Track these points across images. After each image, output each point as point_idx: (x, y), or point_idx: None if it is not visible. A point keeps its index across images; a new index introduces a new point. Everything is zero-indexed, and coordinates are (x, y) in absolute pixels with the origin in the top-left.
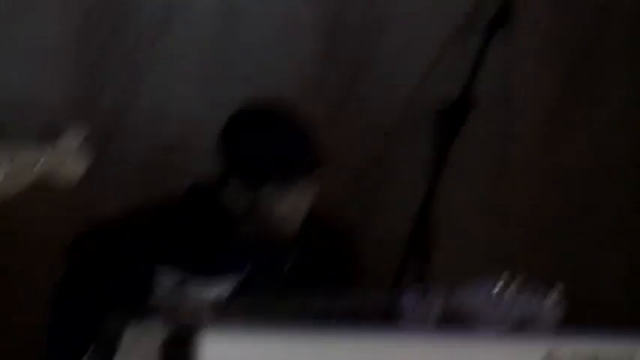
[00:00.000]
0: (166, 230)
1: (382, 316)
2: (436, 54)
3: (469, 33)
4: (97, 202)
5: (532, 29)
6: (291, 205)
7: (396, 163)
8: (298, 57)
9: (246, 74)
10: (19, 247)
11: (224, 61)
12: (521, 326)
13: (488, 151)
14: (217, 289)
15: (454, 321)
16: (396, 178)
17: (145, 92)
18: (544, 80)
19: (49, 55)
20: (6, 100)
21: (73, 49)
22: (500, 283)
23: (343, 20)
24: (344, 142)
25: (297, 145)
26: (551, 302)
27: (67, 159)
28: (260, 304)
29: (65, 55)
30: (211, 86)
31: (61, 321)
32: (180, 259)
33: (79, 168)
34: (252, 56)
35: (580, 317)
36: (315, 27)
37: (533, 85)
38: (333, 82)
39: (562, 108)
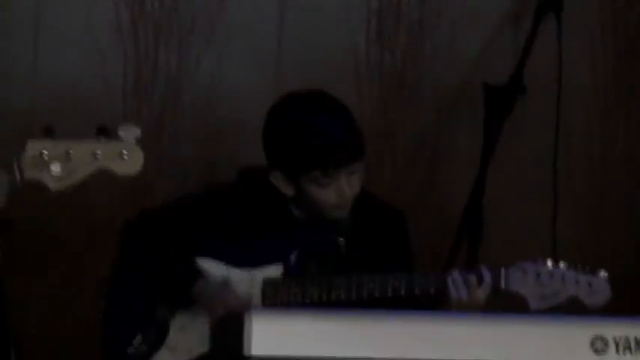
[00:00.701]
0: (218, 217)
1: (433, 297)
2: (488, 37)
3: (520, 16)
4: (152, 185)
5: (583, 14)
6: (337, 191)
7: (449, 144)
8: (348, 46)
9: (298, 58)
10: (82, 235)
11: (276, 45)
12: (569, 306)
13: (538, 135)
14: (266, 274)
15: (503, 300)
16: (449, 160)
17: (198, 74)
18: (596, 66)
19: (101, 44)
20: (57, 95)
21: (126, 35)
22: (549, 264)
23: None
24: (398, 125)
25: (337, 137)
26: (598, 284)
27: (124, 150)
28: (311, 285)
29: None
30: (265, 69)
31: (115, 305)
32: (230, 245)
33: (137, 159)
34: (305, 40)
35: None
36: (363, 12)
37: (584, 73)
38: (386, 64)
39: (613, 95)
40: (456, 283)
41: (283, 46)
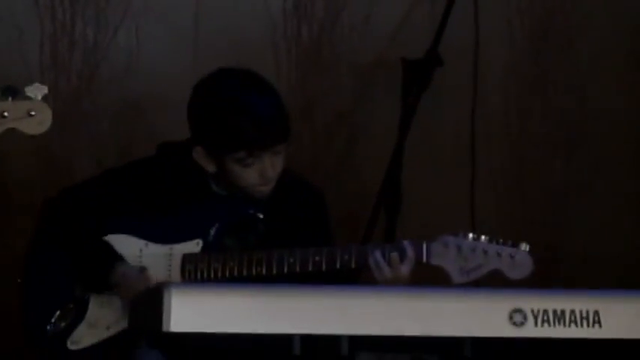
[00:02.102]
0: (136, 192)
1: (354, 270)
2: (404, 10)
3: None
4: (70, 157)
5: None
6: (260, 171)
7: (367, 117)
8: (265, 17)
9: (216, 32)
10: None
11: (193, 17)
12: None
13: (455, 107)
14: (186, 249)
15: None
16: (367, 133)
17: (115, 48)
18: (512, 41)
19: (18, 19)
20: None
21: (43, 7)
22: (470, 237)
23: None
24: (316, 98)
25: (265, 119)
26: (520, 256)
27: (32, 109)
28: (231, 260)
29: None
30: (182, 41)
31: (32, 282)
32: (149, 220)
33: (45, 116)
34: (222, 14)
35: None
36: None
37: (501, 46)
38: (303, 37)
39: (530, 67)
40: (378, 263)
41: (200, 19)
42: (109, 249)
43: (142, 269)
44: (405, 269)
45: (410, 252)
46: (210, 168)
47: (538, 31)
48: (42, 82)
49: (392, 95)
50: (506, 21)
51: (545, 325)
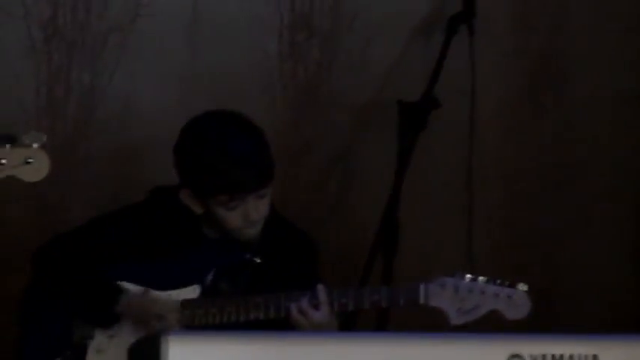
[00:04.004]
0: (130, 238)
1: (349, 314)
2: (400, 51)
3: (432, 29)
4: (66, 202)
5: (494, 27)
6: (244, 214)
7: (363, 159)
8: (259, 57)
9: (211, 73)
10: None
11: (189, 60)
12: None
13: (452, 149)
14: (184, 295)
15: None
16: (363, 175)
17: (110, 93)
18: (509, 81)
19: (14, 65)
20: None
21: (39, 53)
22: (467, 278)
23: (307, 19)
24: (312, 139)
25: (246, 163)
26: (518, 296)
27: (30, 156)
28: (228, 305)
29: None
30: (177, 85)
31: (29, 331)
32: (145, 267)
33: (43, 164)
34: (218, 55)
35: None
36: (275, 27)
37: (497, 85)
38: (299, 78)
39: (526, 106)
40: (302, 309)
41: (196, 60)
42: (107, 284)
43: (145, 291)
44: (320, 315)
45: (322, 296)
46: (198, 210)
47: (534, 69)
48: (38, 127)
49: (388, 135)
50: (503, 60)
51: None
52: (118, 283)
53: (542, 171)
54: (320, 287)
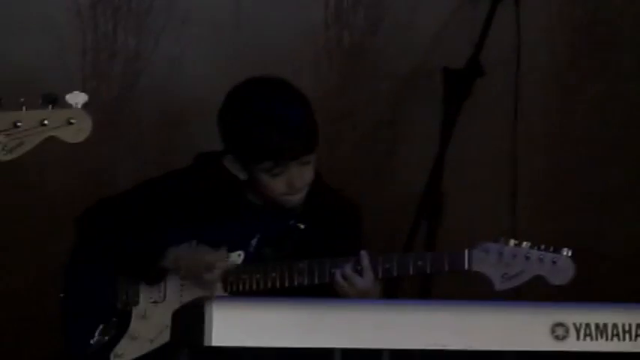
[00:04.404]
0: (176, 204)
1: (393, 280)
2: (446, 18)
3: None
4: (110, 167)
5: None
6: (288, 181)
7: (408, 125)
8: (306, 26)
9: (257, 38)
10: (36, 213)
11: (235, 25)
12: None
13: (497, 117)
14: (230, 261)
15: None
16: (407, 141)
17: (156, 57)
18: (554, 49)
19: (60, 29)
20: (12, 77)
21: (85, 17)
22: (511, 243)
23: None
24: (356, 106)
25: (291, 129)
26: (562, 262)
27: (72, 117)
28: (273, 271)
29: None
30: (224, 50)
31: (73, 297)
32: (190, 233)
33: (85, 124)
34: (263, 20)
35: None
36: None
37: (542, 54)
38: (344, 44)
39: (571, 76)
40: (345, 275)
41: (241, 26)
42: (153, 241)
43: (192, 243)
44: (364, 281)
45: (365, 261)
46: (242, 176)
47: (580, 37)
48: (83, 91)
49: (432, 103)
50: (548, 29)
51: (588, 339)
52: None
53: (588, 139)
54: (363, 253)
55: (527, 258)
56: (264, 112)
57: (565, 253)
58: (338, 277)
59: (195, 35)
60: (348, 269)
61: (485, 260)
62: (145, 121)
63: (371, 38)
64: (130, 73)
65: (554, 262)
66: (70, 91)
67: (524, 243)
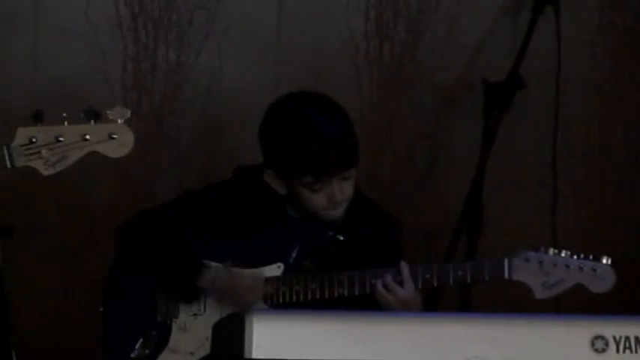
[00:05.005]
0: (216, 216)
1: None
2: (486, 31)
3: (518, 9)
4: (151, 178)
5: (581, 6)
6: (329, 196)
7: (448, 137)
8: (347, 38)
9: (297, 50)
10: (79, 225)
11: (276, 38)
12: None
13: (537, 128)
14: (268, 273)
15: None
16: (447, 154)
17: (196, 70)
18: (595, 58)
19: (102, 40)
20: (54, 90)
21: (126, 30)
22: (551, 252)
23: None
24: (397, 118)
25: (332, 145)
26: (602, 270)
27: (114, 132)
28: (312, 282)
29: (117, 37)
30: (264, 62)
31: (113, 309)
32: (229, 245)
33: (127, 139)
34: (304, 32)
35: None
36: (362, 5)
37: (583, 65)
38: (385, 56)
39: (611, 87)
40: (387, 286)
41: (282, 39)
42: (191, 259)
43: (226, 264)
44: (404, 292)
45: (405, 272)
46: (282, 190)
47: (621, 47)
48: (124, 104)
49: (473, 115)
50: (589, 39)
51: (627, 352)
52: (203, 260)
53: (629, 149)
54: (404, 264)
55: (567, 266)
56: (304, 128)
57: (605, 262)
58: (379, 287)
59: (236, 48)
60: (389, 279)
61: (525, 269)
62: (185, 134)
63: (411, 50)
64: (170, 85)
65: (594, 270)
66: (111, 103)
67: (564, 251)
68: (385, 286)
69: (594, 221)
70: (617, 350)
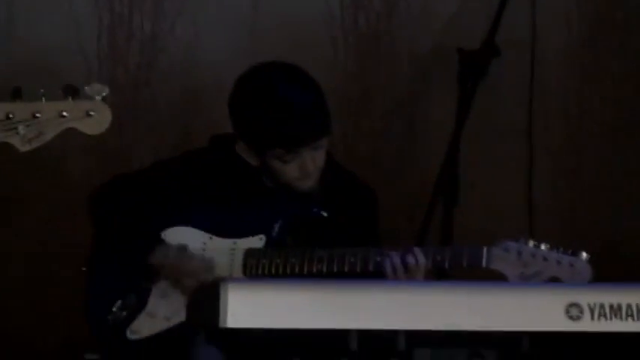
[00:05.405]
0: (193, 184)
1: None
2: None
3: None
4: (128, 150)
5: None
6: (300, 166)
7: (425, 107)
8: (322, 9)
9: (273, 22)
10: (56, 196)
11: (251, 8)
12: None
13: (513, 97)
14: (250, 244)
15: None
16: (424, 123)
17: (172, 40)
18: (570, 26)
19: (77, 11)
20: (29, 60)
21: (101, 1)
22: (531, 244)
23: None
24: (374, 88)
25: (302, 116)
26: (580, 265)
27: (91, 109)
28: (293, 257)
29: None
30: (240, 33)
31: (95, 272)
32: (211, 214)
33: (105, 117)
34: (280, 3)
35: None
36: None
37: (559, 32)
38: (361, 27)
39: (587, 55)
40: (395, 268)
41: (258, 10)
42: (151, 233)
43: (182, 247)
44: (420, 276)
45: (422, 259)
46: (254, 162)
47: (595, 17)
48: (100, 74)
49: (449, 84)
50: (564, 7)
51: (602, 319)
52: (182, 232)
53: (605, 117)
54: (418, 250)
55: (546, 259)
56: (273, 99)
57: (583, 257)
58: (389, 269)
59: (212, 18)
60: (398, 262)
61: (503, 259)
62: (162, 104)
63: (386, 21)
64: (146, 56)
65: (571, 265)
66: (86, 73)
67: (544, 244)
68: (394, 270)
69: (571, 191)
70: (592, 317)
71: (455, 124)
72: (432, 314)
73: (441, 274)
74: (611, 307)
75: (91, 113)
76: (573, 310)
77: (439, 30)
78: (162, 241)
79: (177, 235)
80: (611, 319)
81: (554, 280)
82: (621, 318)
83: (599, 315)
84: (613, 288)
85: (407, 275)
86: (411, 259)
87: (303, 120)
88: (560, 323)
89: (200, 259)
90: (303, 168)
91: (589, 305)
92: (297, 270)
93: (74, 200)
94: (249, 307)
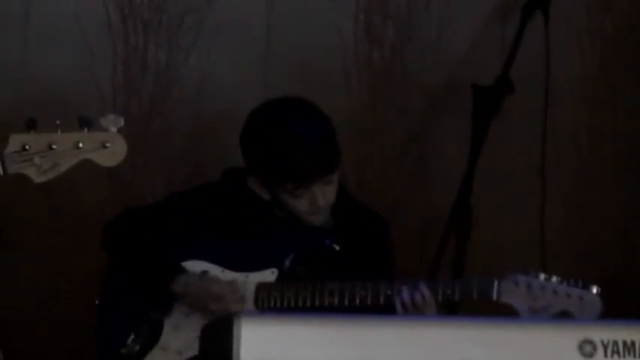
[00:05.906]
0: (205, 217)
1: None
2: (475, 34)
3: (508, 14)
4: (140, 180)
5: (570, 10)
6: (310, 201)
7: (437, 141)
8: (336, 41)
9: (286, 54)
10: (67, 226)
11: (265, 41)
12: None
13: (526, 133)
14: (262, 278)
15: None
16: (436, 158)
17: (186, 72)
18: (583, 64)
19: (91, 42)
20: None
21: (115, 32)
22: (541, 277)
23: (382, 1)
24: (386, 120)
25: (312, 151)
26: (589, 298)
27: (107, 140)
28: (304, 290)
29: (107, 38)
30: (254, 65)
31: (107, 304)
32: (223, 247)
33: (120, 148)
34: (293, 36)
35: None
36: (351, 8)
37: (572, 69)
38: (374, 60)
39: (600, 91)
40: (405, 304)
41: (272, 42)
42: (171, 263)
43: (203, 273)
44: (429, 311)
45: (427, 294)
46: (266, 195)
47: (610, 50)
48: (114, 105)
49: (462, 118)
50: (577, 43)
51: (615, 356)
52: (194, 266)
53: (618, 154)
54: (423, 284)
55: (555, 292)
56: (283, 134)
57: (593, 290)
58: (398, 306)
59: (225, 49)
60: (407, 297)
61: (513, 292)
62: (175, 135)
63: (400, 54)
64: (160, 87)
65: (581, 299)
66: (100, 104)
67: (554, 277)
68: (404, 306)
69: (583, 226)
70: (605, 354)
71: (469, 158)
72: (443, 350)
73: (451, 306)
74: (625, 343)
75: (107, 145)
76: (586, 347)
77: (452, 64)
78: (182, 270)
79: (190, 269)
80: (624, 356)
81: (564, 314)
82: (634, 355)
83: (613, 352)
84: (626, 325)
85: (416, 310)
86: (418, 297)
87: (313, 155)
88: None
89: (227, 282)
90: (314, 203)
91: (602, 342)
92: (308, 303)
93: (85, 231)
94: (262, 341)
